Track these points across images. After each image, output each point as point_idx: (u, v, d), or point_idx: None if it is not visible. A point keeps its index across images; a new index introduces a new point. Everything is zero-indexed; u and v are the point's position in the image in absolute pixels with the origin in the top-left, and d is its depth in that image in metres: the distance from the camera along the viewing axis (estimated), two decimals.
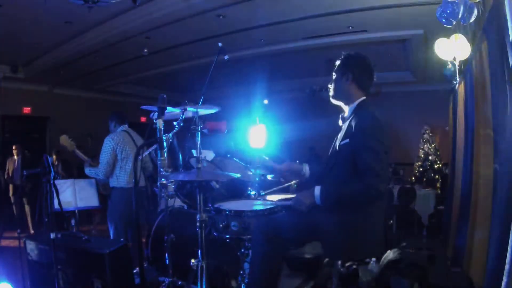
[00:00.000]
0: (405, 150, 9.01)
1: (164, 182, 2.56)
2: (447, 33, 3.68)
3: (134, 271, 2.64)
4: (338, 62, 2.20)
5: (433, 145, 8.47)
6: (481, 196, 3.13)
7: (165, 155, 2.21)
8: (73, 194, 4.30)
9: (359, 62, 2.17)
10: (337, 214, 1.95)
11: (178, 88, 9.65)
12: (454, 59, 3.76)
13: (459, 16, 3.14)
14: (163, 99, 2.18)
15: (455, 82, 4.66)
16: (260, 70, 7.57)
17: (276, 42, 6.72)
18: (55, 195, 2.27)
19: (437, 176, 8.06)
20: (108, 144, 3.86)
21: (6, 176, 7.17)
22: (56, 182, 2.35)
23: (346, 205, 1.95)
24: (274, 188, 2.85)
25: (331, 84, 2.23)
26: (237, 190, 2.85)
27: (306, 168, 2.32)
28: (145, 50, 6.21)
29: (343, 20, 5.55)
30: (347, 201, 1.94)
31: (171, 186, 2.65)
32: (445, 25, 3.46)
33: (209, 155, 3.53)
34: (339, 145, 2.08)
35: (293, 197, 2.13)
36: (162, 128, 2.15)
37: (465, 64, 3.93)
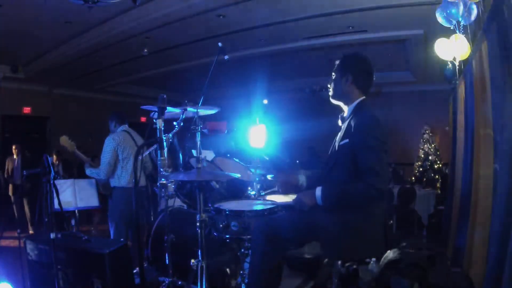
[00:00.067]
0: (405, 150, 9.01)
1: (164, 182, 2.57)
2: (447, 33, 3.68)
3: (134, 271, 2.64)
4: (338, 63, 2.20)
5: (433, 145, 8.48)
6: (481, 196, 3.13)
7: (165, 155, 2.21)
8: (73, 194, 4.30)
9: (359, 63, 2.17)
10: (337, 214, 1.95)
11: (178, 88, 9.65)
12: (454, 59, 3.76)
13: (459, 16, 3.14)
14: (163, 99, 2.19)
15: (455, 82, 4.66)
16: (260, 70, 7.56)
17: (276, 42, 6.72)
18: (55, 195, 2.27)
19: (437, 176, 8.06)
20: (109, 145, 3.86)
21: (6, 175, 7.17)
22: (56, 182, 2.35)
23: (347, 205, 1.95)
24: (274, 189, 2.86)
25: (330, 85, 2.23)
26: (237, 190, 2.85)
27: (303, 179, 2.32)
28: (145, 50, 6.22)
29: (343, 20, 5.54)
30: (348, 201, 1.94)
31: (171, 186, 2.65)
32: (445, 25, 3.46)
33: (209, 155, 3.53)
34: (338, 145, 2.09)
35: (294, 198, 2.13)
36: (162, 128, 2.15)
37: (465, 64, 3.93)
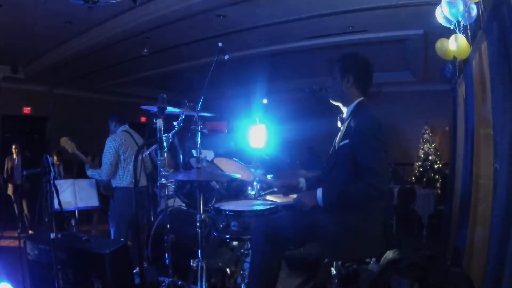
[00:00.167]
0: (405, 150, 9.01)
1: (164, 182, 2.57)
2: (447, 33, 3.68)
3: (134, 271, 2.64)
4: (338, 64, 2.19)
5: (433, 145, 8.48)
6: (481, 196, 3.14)
7: (165, 155, 2.22)
8: (73, 194, 4.31)
9: (360, 64, 2.16)
10: (337, 214, 1.95)
11: (178, 88, 9.65)
12: (454, 59, 3.76)
13: (459, 16, 3.14)
14: (163, 99, 2.19)
15: (455, 82, 4.66)
16: (260, 70, 7.56)
17: (276, 42, 6.72)
18: (55, 195, 2.27)
19: (437, 176, 8.06)
20: (110, 146, 3.87)
21: (5, 175, 7.17)
22: (56, 182, 2.34)
23: (347, 205, 1.95)
24: (274, 189, 2.85)
25: (330, 85, 2.22)
26: (237, 190, 2.85)
27: (302, 182, 2.32)
28: (145, 50, 6.21)
29: (343, 20, 5.54)
30: (349, 201, 1.94)
31: (171, 186, 2.65)
32: (445, 25, 3.46)
33: (209, 155, 3.53)
34: (338, 146, 2.09)
35: (294, 197, 2.13)
36: (162, 128, 2.15)
37: (465, 64, 3.93)
